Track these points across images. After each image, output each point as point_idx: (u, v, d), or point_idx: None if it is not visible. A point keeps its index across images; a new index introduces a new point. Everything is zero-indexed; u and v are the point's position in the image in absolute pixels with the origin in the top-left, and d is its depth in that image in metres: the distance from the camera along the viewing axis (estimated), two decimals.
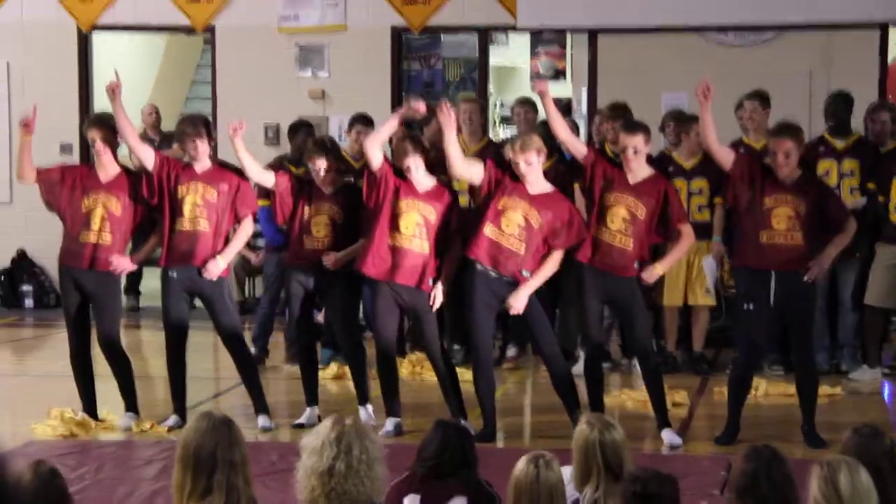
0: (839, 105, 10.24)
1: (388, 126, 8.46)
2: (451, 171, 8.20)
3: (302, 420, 8.60)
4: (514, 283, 8.10)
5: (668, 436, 8.18)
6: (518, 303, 8.08)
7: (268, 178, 8.64)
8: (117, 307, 8.85)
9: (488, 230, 8.06)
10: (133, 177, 8.66)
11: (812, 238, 8.10)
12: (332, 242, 8.50)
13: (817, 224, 8.13)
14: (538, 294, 8.27)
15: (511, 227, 8.06)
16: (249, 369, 8.79)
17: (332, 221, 8.52)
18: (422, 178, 8.30)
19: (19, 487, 4.17)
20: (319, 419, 8.37)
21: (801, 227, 8.04)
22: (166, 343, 8.70)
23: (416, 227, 8.21)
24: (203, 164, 8.62)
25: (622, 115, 9.99)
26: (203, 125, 8.67)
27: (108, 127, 8.61)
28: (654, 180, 8.22)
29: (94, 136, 8.59)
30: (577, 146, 8.32)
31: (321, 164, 8.51)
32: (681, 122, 10.42)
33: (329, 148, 8.66)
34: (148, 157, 8.58)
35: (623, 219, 8.10)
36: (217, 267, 8.53)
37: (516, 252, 8.06)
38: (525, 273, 8.10)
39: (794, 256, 8.06)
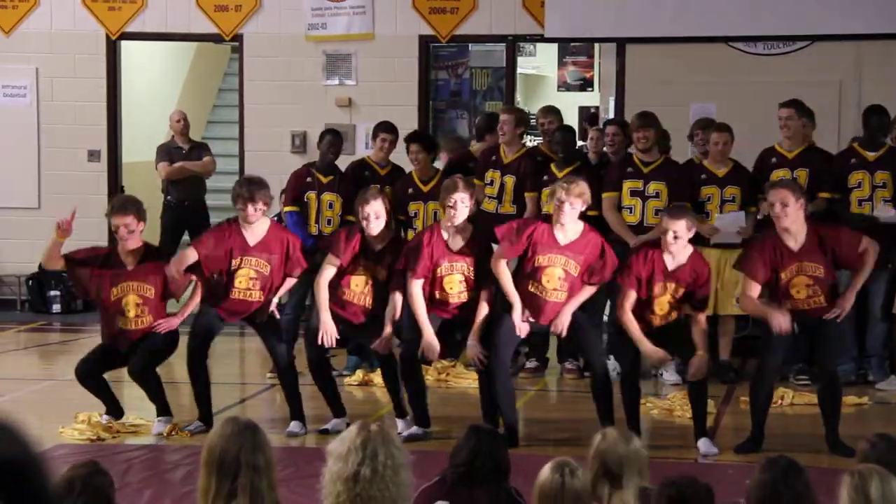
0: (875, 118, 10.19)
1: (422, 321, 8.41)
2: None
3: (328, 426, 8.61)
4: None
5: (703, 445, 8.17)
6: (562, 324, 8.21)
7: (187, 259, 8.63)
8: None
9: (532, 288, 8.20)
10: (156, 252, 8.74)
11: (834, 287, 8.23)
12: (371, 300, 8.55)
13: (836, 270, 8.29)
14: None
15: (552, 282, 8.20)
16: (291, 376, 8.79)
17: (374, 280, 8.55)
18: (460, 216, 8.30)
19: (63, 486, 4.24)
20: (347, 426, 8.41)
21: (822, 291, 8.15)
22: (188, 347, 8.71)
23: (459, 285, 8.36)
24: (256, 230, 8.58)
25: (653, 124, 10.07)
26: (259, 188, 8.58)
27: (137, 212, 8.61)
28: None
29: (121, 222, 8.55)
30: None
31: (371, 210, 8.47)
32: (706, 129, 10.43)
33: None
34: (191, 258, 8.57)
35: (669, 303, 8.27)
36: (265, 315, 8.64)
37: (559, 302, 8.23)
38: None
39: (819, 312, 8.19)
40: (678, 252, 8.17)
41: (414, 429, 8.47)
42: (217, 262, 8.53)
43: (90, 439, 8.40)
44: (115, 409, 8.77)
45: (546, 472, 4.56)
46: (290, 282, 8.82)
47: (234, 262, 8.53)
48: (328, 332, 8.42)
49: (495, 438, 5.06)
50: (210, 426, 8.23)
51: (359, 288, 8.52)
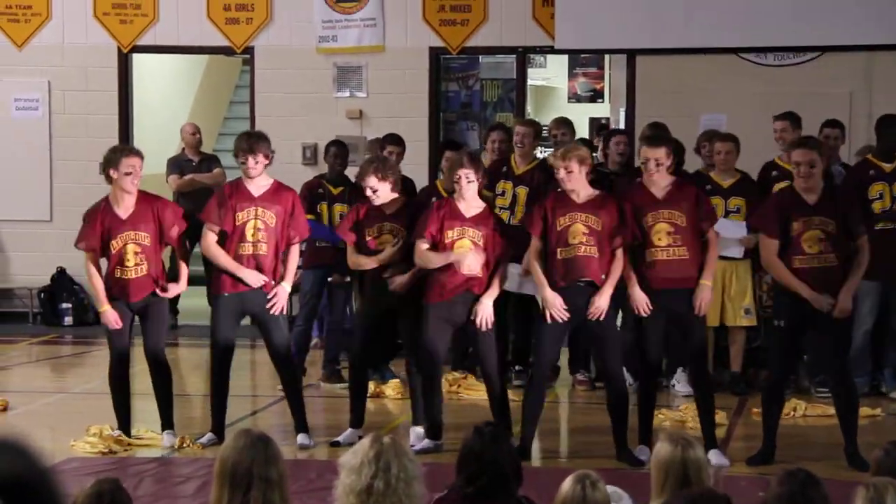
0: (885, 126, 10.17)
1: (440, 261, 8.38)
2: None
3: (339, 438, 8.60)
4: (592, 286, 8.16)
5: (714, 456, 8.15)
6: (602, 304, 8.14)
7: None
8: (165, 320, 8.92)
9: (560, 254, 8.17)
10: (153, 202, 8.71)
11: (847, 254, 8.09)
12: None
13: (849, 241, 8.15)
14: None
15: (577, 237, 8.15)
16: (295, 388, 8.80)
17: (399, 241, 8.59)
18: (471, 197, 8.36)
19: (91, 499, 4.26)
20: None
21: (832, 249, 8.02)
22: (212, 362, 8.73)
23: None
24: (259, 183, 8.64)
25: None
26: (258, 141, 8.69)
27: (141, 156, 8.75)
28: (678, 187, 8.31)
29: (136, 163, 8.64)
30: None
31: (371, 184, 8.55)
32: (712, 140, 10.42)
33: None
34: (213, 237, 8.68)
35: (668, 233, 8.12)
36: (284, 293, 8.62)
37: (591, 256, 8.15)
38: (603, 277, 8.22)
39: (830, 279, 8.02)
40: (661, 180, 8.19)
41: (426, 441, 8.47)
42: (227, 223, 8.56)
43: (102, 452, 8.39)
44: (125, 426, 8.75)
45: (567, 484, 4.55)
46: (295, 258, 8.75)
47: (240, 216, 8.56)
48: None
49: (501, 440, 5.00)
50: (222, 439, 8.23)
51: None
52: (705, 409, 8.31)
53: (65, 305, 13.73)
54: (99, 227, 8.58)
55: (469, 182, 8.36)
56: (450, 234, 8.35)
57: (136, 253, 8.55)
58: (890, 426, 9.31)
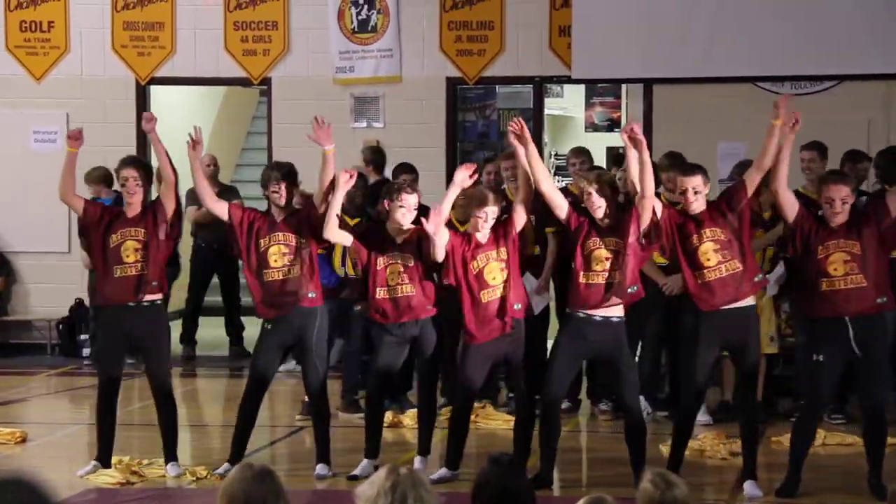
0: (885, 161, 10.19)
1: (448, 202, 8.42)
2: (540, 185, 8.22)
3: (356, 472, 8.57)
4: (613, 326, 8.15)
5: (749, 487, 8.11)
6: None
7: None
8: (166, 351, 8.85)
9: (583, 279, 8.16)
10: (158, 207, 8.72)
11: (878, 273, 8.01)
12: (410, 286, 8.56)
13: (878, 256, 8.05)
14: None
15: (601, 263, 8.15)
16: (324, 418, 8.78)
17: (406, 268, 8.57)
18: (488, 229, 8.38)
19: None
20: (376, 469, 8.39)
21: (859, 269, 7.96)
22: (246, 390, 8.69)
23: (500, 273, 8.34)
24: (280, 211, 8.68)
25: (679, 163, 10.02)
26: (286, 173, 8.73)
27: (145, 169, 8.82)
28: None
29: (130, 174, 8.71)
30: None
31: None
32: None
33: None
34: (223, 211, 8.65)
35: (714, 251, 8.10)
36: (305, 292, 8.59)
37: (612, 282, 8.15)
38: (633, 289, 8.16)
39: (862, 297, 7.96)
40: (699, 207, 8.16)
41: (443, 471, 8.45)
42: (243, 238, 8.61)
43: (120, 483, 8.39)
44: (105, 457, 8.68)
45: None
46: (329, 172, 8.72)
47: (263, 242, 8.57)
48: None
49: (517, 470, 4.97)
50: None
51: (394, 280, 8.55)
52: (749, 437, 8.23)
53: (83, 337, 13.74)
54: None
55: (486, 222, 8.36)
56: (475, 265, 8.35)
57: (135, 250, 8.59)
58: None
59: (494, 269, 8.34)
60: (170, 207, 8.71)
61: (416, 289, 8.52)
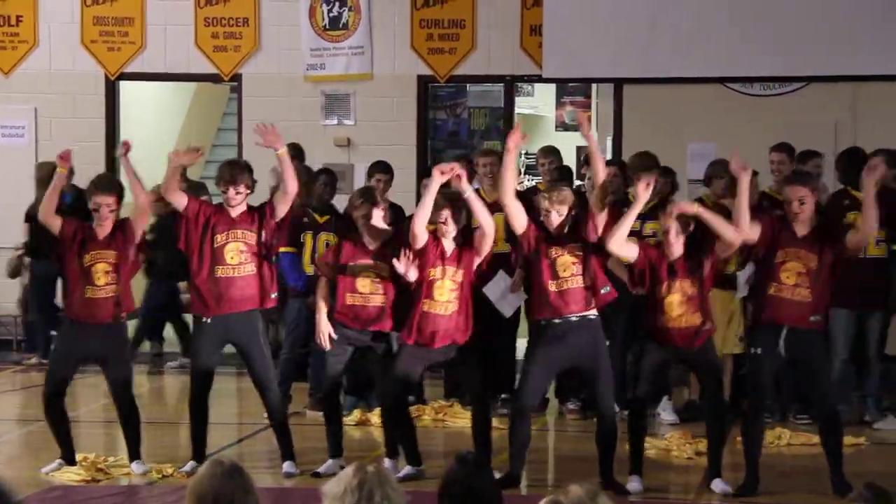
0: (845, 162, 10.28)
1: (428, 200, 8.35)
2: (503, 196, 8.24)
3: (320, 469, 8.56)
4: (589, 327, 8.18)
5: (718, 485, 8.15)
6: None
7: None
8: (129, 361, 8.86)
9: (551, 286, 8.18)
10: (128, 229, 8.65)
11: (822, 292, 8.10)
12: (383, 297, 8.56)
13: (829, 277, 8.13)
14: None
15: (567, 269, 8.18)
16: (280, 416, 8.76)
17: (380, 278, 8.55)
18: (451, 236, 8.38)
19: None
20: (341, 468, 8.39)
21: (809, 283, 8.05)
22: (191, 389, 8.70)
23: (448, 293, 8.33)
24: (238, 210, 8.63)
25: (654, 165, 10.09)
26: (241, 172, 8.67)
27: (119, 193, 8.69)
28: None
29: (104, 202, 8.59)
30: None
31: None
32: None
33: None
34: (181, 202, 8.60)
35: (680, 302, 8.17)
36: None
37: (579, 287, 8.18)
38: (605, 290, 8.24)
39: (802, 312, 8.05)
40: (678, 250, 8.21)
41: (407, 468, 8.45)
42: (196, 233, 8.54)
43: (85, 480, 8.35)
44: (69, 456, 8.64)
45: None
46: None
47: (220, 238, 8.52)
48: (323, 331, 8.50)
49: (483, 468, 4.97)
50: None
51: (367, 289, 8.53)
52: (717, 436, 8.27)
53: (52, 333, 13.65)
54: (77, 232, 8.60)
55: (446, 225, 8.38)
56: (431, 273, 8.34)
57: (106, 272, 8.53)
58: (873, 455, 9.31)
59: (445, 288, 8.33)
60: (139, 231, 8.66)
61: (383, 300, 8.52)
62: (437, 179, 8.28)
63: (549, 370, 8.43)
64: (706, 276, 8.22)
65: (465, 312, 8.39)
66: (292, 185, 8.51)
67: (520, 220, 8.27)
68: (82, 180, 13.60)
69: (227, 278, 8.52)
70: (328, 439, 8.70)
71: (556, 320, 8.19)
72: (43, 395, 8.70)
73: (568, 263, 8.19)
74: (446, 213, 8.33)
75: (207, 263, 8.53)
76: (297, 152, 12.06)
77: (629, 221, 8.15)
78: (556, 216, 8.19)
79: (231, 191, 8.56)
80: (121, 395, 8.65)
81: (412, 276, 8.26)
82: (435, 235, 8.41)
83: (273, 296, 8.71)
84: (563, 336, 8.19)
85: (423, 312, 8.30)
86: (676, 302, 8.15)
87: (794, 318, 8.06)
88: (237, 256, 8.54)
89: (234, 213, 8.62)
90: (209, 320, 8.59)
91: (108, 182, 8.98)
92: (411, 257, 8.26)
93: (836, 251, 8.11)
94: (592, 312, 8.24)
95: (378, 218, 8.68)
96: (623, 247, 8.21)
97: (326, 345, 8.55)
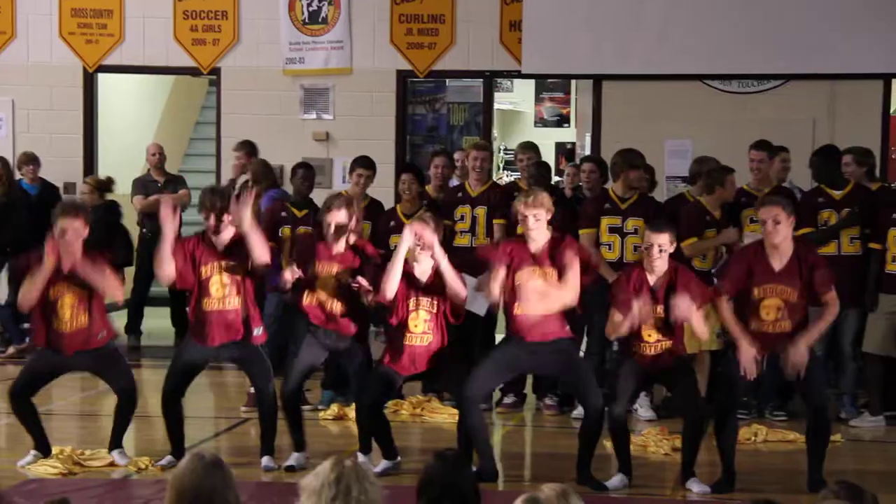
0: (819, 161, 10.34)
1: (397, 263, 8.29)
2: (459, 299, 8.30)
3: (293, 463, 8.55)
4: (560, 348, 8.16)
5: (695, 485, 8.14)
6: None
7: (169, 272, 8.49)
8: (121, 361, 8.75)
9: (518, 310, 8.15)
10: (93, 254, 8.50)
11: (801, 318, 8.14)
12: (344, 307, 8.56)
13: (807, 303, 8.17)
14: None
15: (535, 294, 8.11)
16: (270, 414, 8.70)
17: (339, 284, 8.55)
18: (425, 261, 8.37)
19: None
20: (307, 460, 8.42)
21: (789, 316, 8.08)
22: (165, 385, 8.62)
23: (424, 324, 8.34)
24: (223, 238, 8.49)
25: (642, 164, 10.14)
26: (220, 198, 8.51)
27: (86, 217, 8.49)
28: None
29: (70, 226, 8.35)
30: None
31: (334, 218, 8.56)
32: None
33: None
34: (170, 272, 8.44)
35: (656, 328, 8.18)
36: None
37: (548, 314, 8.14)
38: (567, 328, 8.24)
39: (782, 341, 8.08)
40: (661, 267, 8.16)
41: (384, 463, 8.45)
42: (187, 274, 8.45)
43: (61, 473, 8.33)
44: (43, 446, 8.60)
45: None
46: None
47: (205, 270, 8.45)
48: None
49: (462, 466, 4.99)
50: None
51: (331, 292, 8.53)
52: (692, 435, 8.28)
53: (25, 325, 13.61)
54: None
55: (423, 250, 8.37)
56: (408, 304, 8.34)
57: (72, 306, 8.43)
58: (849, 452, 9.35)
59: (419, 319, 8.33)
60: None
61: (347, 308, 8.53)
62: (406, 241, 8.27)
63: (502, 371, 8.42)
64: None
65: (441, 336, 8.40)
66: (261, 257, 8.36)
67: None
68: (62, 172, 13.62)
69: (213, 311, 8.48)
70: (294, 433, 8.66)
71: (527, 340, 8.17)
72: (10, 389, 8.64)
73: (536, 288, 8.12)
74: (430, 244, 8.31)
75: (195, 295, 8.48)
76: (251, 149, 12.12)
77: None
78: (533, 220, 8.14)
79: (212, 219, 8.49)
80: (127, 392, 8.61)
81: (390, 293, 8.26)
82: (405, 271, 8.39)
83: (258, 332, 8.61)
84: (533, 353, 8.18)
85: (398, 342, 8.35)
86: (654, 327, 8.14)
87: (777, 348, 8.08)
88: (221, 290, 8.47)
89: (220, 243, 8.53)
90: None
91: (73, 205, 8.74)
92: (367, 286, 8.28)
93: (812, 283, 8.11)
94: (564, 337, 8.21)
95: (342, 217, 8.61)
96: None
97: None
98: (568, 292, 8.10)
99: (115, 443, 8.62)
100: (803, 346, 8.00)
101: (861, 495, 4.66)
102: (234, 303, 8.43)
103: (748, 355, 7.98)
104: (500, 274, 8.14)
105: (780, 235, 8.05)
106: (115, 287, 8.53)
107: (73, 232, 8.36)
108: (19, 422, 8.64)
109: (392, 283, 8.25)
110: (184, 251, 8.44)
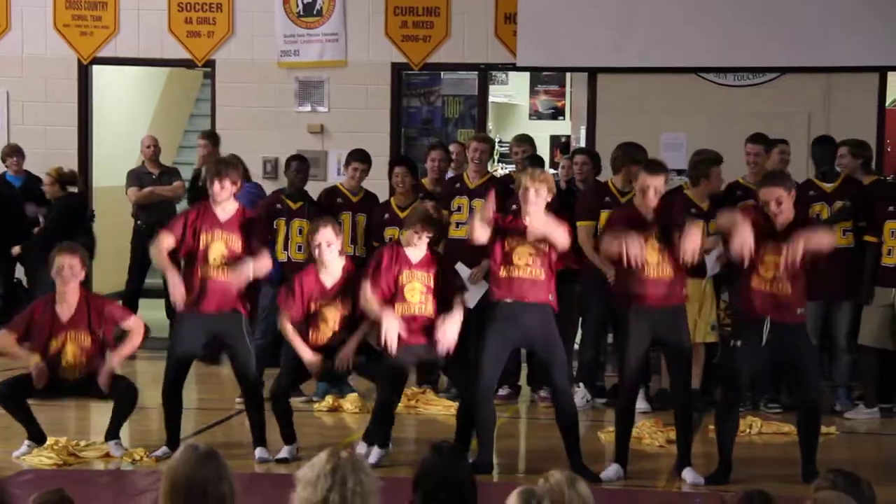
0: (819, 149, 10.36)
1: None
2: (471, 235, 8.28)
3: (286, 455, 8.56)
4: (541, 310, 8.18)
5: (689, 475, 8.18)
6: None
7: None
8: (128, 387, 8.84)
9: (503, 272, 8.20)
10: (95, 304, 8.64)
11: (801, 285, 8.12)
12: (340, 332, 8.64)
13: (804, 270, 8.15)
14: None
15: (523, 258, 8.17)
16: (257, 403, 8.75)
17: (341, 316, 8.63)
18: (419, 250, 8.54)
19: None
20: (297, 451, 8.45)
21: (788, 277, 8.07)
22: (166, 377, 8.66)
23: (420, 295, 8.44)
24: (226, 209, 8.57)
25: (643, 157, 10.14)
26: (227, 167, 8.61)
27: (83, 257, 8.64)
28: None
29: (67, 262, 8.53)
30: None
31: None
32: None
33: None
34: (169, 242, 8.55)
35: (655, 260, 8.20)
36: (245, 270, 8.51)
37: (536, 278, 8.18)
38: (551, 297, 8.24)
39: (784, 306, 8.08)
40: (653, 205, 8.25)
41: (376, 451, 8.47)
42: (188, 245, 8.50)
43: (56, 464, 8.34)
44: (37, 434, 8.65)
45: (512, 500, 4.54)
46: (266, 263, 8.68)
47: (205, 238, 8.48)
48: (313, 365, 8.61)
49: (458, 458, 4.99)
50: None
51: (333, 323, 8.62)
52: (684, 425, 8.30)
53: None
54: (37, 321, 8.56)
55: (420, 240, 8.53)
56: (401, 279, 8.48)
57: (74, 354, 8.55)
58: (844, 444, 9.38)
59: (415, 290, 8.44)
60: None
61: (343, 335, 8.61)
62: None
63: (503, 349, 8.39)
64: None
65: (435, 309, 8.48)
66: (266, 269, 8.70)
67: (482, 239, 8.23)
68: (56, 164, 13.58)
69: (210, 280, 8.49)
70: (284, 427, 8.69)
71: (508, 300, 8.19)
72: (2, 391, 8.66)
73: (525, 253, 8.19)
74: (420, 229, 8.49)
75: (196, 261, 8.50)
76: (214, 139, 12.21)
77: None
78: (534, 194, 8.17)
79: (216, 185, 8.51)
80: (124, 393, 8.69)
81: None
82: (396, 248, 8.53)
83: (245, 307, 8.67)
84: (514, 316, 8.19)
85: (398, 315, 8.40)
86: (650, 248, 8.17)
87: (777, 313, 8.07)
88: (219, 258, 8.50)
89: (223, 214, 8.57)
90: (193, 312, 8.56)
91: (72, 245, 8.88)
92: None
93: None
94: (546, 303, 8.24)
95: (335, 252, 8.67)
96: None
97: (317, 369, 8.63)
98: (563, 232, 8.17)
99: (112, 434, 8.64)
100: (801, 243, 7.91)
101: (857, 483, 4.68)
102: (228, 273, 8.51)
103: (743, 233, 7.95)
104: (489, 211, 8.15)
105: (784, 214, 8.10)
106: (128, 353, 8.76)
107: (68, 269, 8.51)
108: (10, 414, 8.65)
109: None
110: (184, 220, 8.55)
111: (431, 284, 8.50)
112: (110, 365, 8.55)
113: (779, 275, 8.06)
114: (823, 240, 8.07)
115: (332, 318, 8.60)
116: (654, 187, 8.21)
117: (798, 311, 8.15)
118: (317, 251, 8.59)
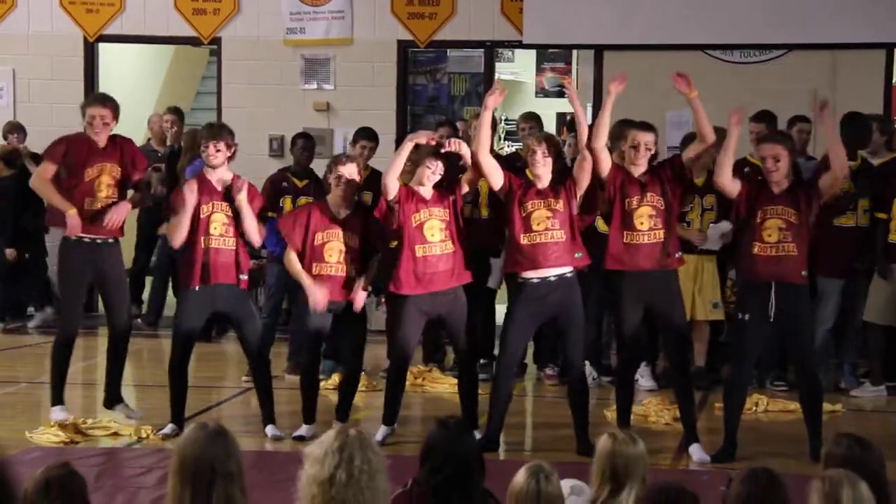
0: (853, 127, 10.28)
1: (402, 154, 8.40)
2: (478, 152, 8.26)
3: (303, 433, 8.59)
4: (567, 283, 8.18)
5: (696, 452, 8.20)
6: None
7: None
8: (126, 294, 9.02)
9: (524, 239, 8.18)
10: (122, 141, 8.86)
11: (805, 247, 8.13)
12: (347, 269, 8.56)
13: (809, 231, 8.17)
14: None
15: (542, 223, 8.18)
16: (266, 381, 8.78)
17: (347, 248, 8.55)
18: (431, 184, 8.43)
19: (39, 488, 4.23)
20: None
21: (792, 238, 8.07)
22: (172, 354, 8.69)
23: (440, 232, 8.33)
24: (221, 175, 8.61)
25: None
26: (221, 130, 8.68)
27: (114, 108, 8.80)
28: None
29: (98, 113, 8.69)
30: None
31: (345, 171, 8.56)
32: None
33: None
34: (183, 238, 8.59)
35: (649, 216, 8.20)
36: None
37: (558, 241, 8.18)
38: (578, 255, 8.25)
39: (788, 268, 8.08)
40: (644, 166, 8.30)
41: (383, 429, 8.49)
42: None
43: (63, 442, 8.36)
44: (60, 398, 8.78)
45: (521, 477, 4.56)
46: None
47: (205, 209, 8.53)
48: (317, 298, 8.45)
49: (464, 433, 5.00)
50: (182, 430, 8.20)
51: (333, 258, 8.53)
52: (686, 401, 8.32)
53: (31, 310, 13.61)
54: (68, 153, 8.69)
55: (434, 174, 8.41)
56: (416, 217, 8.35)
57: (108, 185, 8.64)
58: (850, 422, 9.37)
59: (434, 227, 8.34)
60: None
61: (347, 269, 8.52)
62: (408, 144, 8.37)
63: (528, 326, 8.43)
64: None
65: (460, 252, 8.40)
66: (254, 238, 8.68)
67: (496, 175, 8.30)
68: None
69: (212, 249, 8.51)
70: (306, 405, 8.69)
71: (534, 280, 8.19)
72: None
73: (543, 217, 8.20)
74: (432, 161, 8.38)
75: (195, 234, 8.52)
76: (178, 115, 12.24)
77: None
78: (541, 156, 8.19)
79: (211, 147, 8.54)
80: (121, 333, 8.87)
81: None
82: (408, 187, 8.41)
83: (243, 277, 8.67)
84: (540, 294, 8.20)
85: (417, 258, 8.29)
86: (646, 215, 8.20)
87: (781, 274, 8.06)
88: (220, 227, 8.53)
89: (219, 182, 8.59)
90: (197, 287, 8.58)
91: (102, 96, 9.12)
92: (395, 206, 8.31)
93: (813, 196, 8.13)
94: (568, 270, 8.24)
95: (354, 172, 8.63)
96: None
97: (324, 306, 8.53)
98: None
99: (116, 396, 8.73)
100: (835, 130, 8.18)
101: (869, 446, 4.69)
102: (230, 243, 8.54)
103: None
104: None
105: (780, 173, 8.10)
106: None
107: (100, 119, 8.68)
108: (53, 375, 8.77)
109: (393, 177, 8.26)
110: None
111: (449, 219, 8.38)
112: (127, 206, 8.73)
113: (782, 237, 8.04)
114: (843, 159, 8.17)
115: (338, 250, 8.56)
116: (644, 143, 8.27)
117: (802, 273, 8.13)
118: (335, 182, 8.57)
